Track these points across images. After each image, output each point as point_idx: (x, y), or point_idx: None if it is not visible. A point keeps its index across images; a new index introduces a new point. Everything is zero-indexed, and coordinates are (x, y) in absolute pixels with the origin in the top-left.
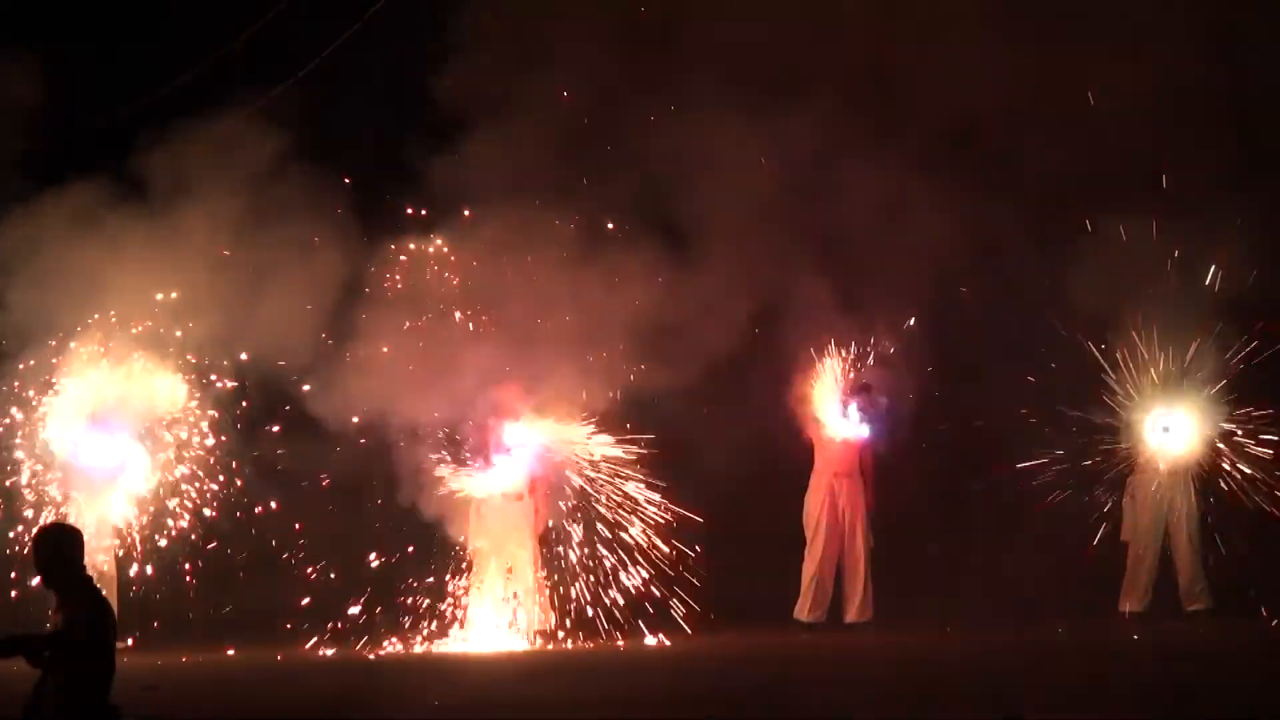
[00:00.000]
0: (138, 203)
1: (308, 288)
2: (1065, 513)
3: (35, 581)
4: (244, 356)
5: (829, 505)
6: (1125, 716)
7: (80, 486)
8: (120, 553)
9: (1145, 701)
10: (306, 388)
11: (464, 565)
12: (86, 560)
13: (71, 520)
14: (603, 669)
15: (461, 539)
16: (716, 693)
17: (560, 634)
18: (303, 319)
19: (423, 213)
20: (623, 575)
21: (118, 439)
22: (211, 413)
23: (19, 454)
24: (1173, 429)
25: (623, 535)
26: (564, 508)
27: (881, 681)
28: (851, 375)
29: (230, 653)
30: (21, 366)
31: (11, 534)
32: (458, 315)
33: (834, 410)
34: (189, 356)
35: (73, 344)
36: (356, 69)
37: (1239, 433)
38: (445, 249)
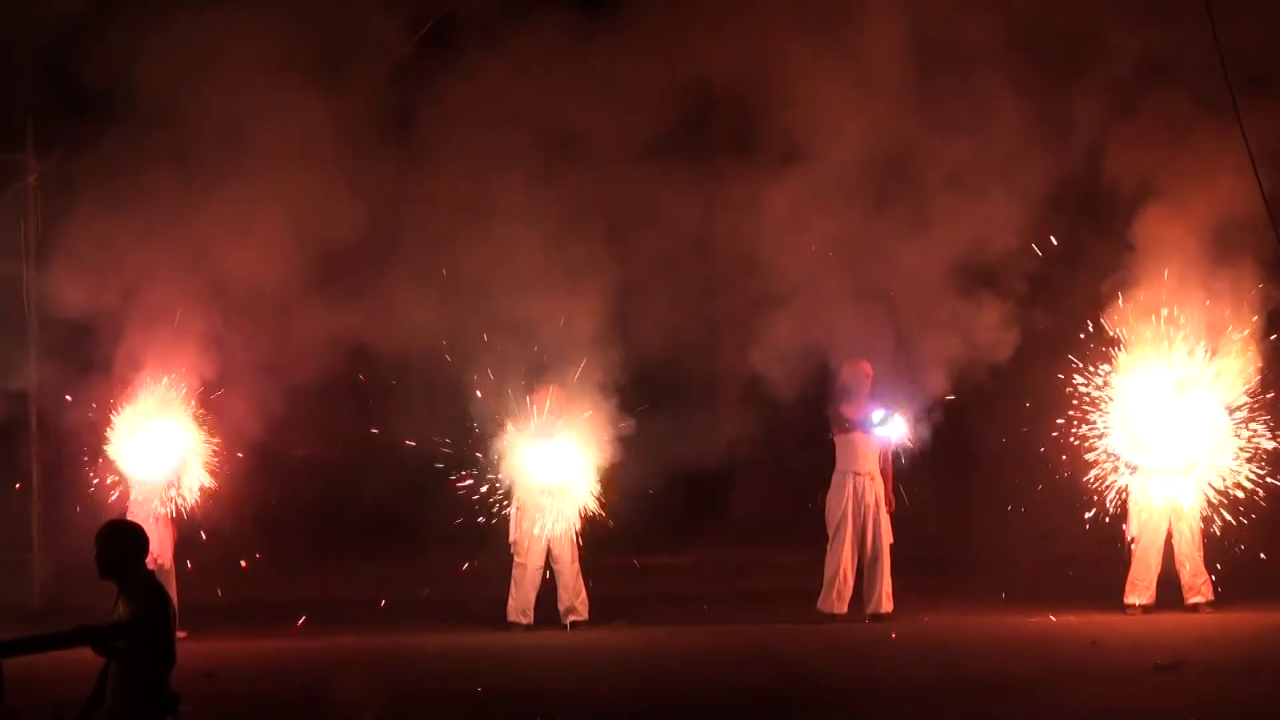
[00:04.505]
0: None
1: None
2: (1072, 506)
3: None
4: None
5: (851, 502)
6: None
7: (138, 489)
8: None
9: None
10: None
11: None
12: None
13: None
14: (636, 658)
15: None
16: (745, 679)
17: (596, 622)
18: None
19: None
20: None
21: (171, 442)
22: None
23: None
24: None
25: None
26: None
27: (905, 670)
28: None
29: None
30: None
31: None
32: None
33: (864, 411)
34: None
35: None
36: None
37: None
38: None
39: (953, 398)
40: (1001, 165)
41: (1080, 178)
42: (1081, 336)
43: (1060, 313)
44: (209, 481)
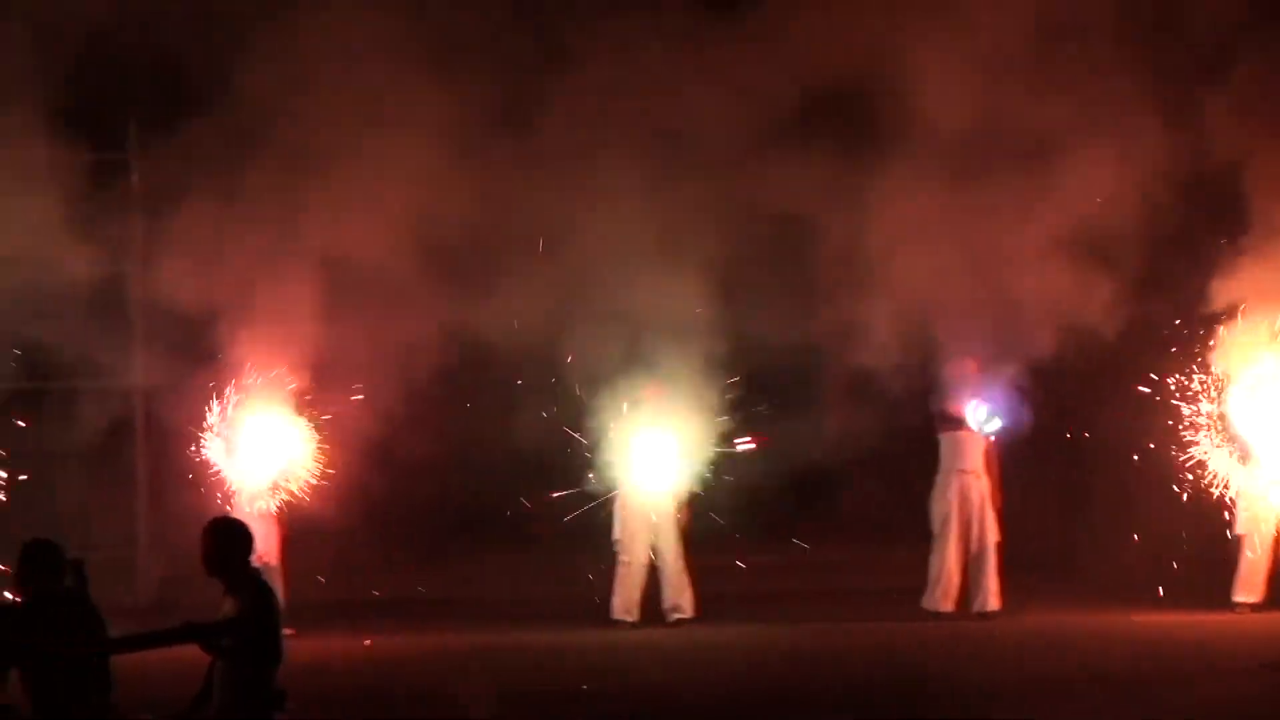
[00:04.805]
0: None
1: None
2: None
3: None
4: None
5: (958, 500)
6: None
7: (244, 486)
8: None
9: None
10: None
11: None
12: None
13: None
14: (738, 656)
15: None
16: (848, 676)
17: (700, 620)
18: None
19: None
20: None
21: (277, 439)
22: None
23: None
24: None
25: None
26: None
27: (1011, 668)
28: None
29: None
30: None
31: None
32: None
33: (968, 406)
34: None
35: None
36: None
37: None
38: None
39: (1061, 395)
40: (1116, 148)
41: (1198, 163)
42: (1191, 329)
43: (1173, 302)
44: (315, 478)
